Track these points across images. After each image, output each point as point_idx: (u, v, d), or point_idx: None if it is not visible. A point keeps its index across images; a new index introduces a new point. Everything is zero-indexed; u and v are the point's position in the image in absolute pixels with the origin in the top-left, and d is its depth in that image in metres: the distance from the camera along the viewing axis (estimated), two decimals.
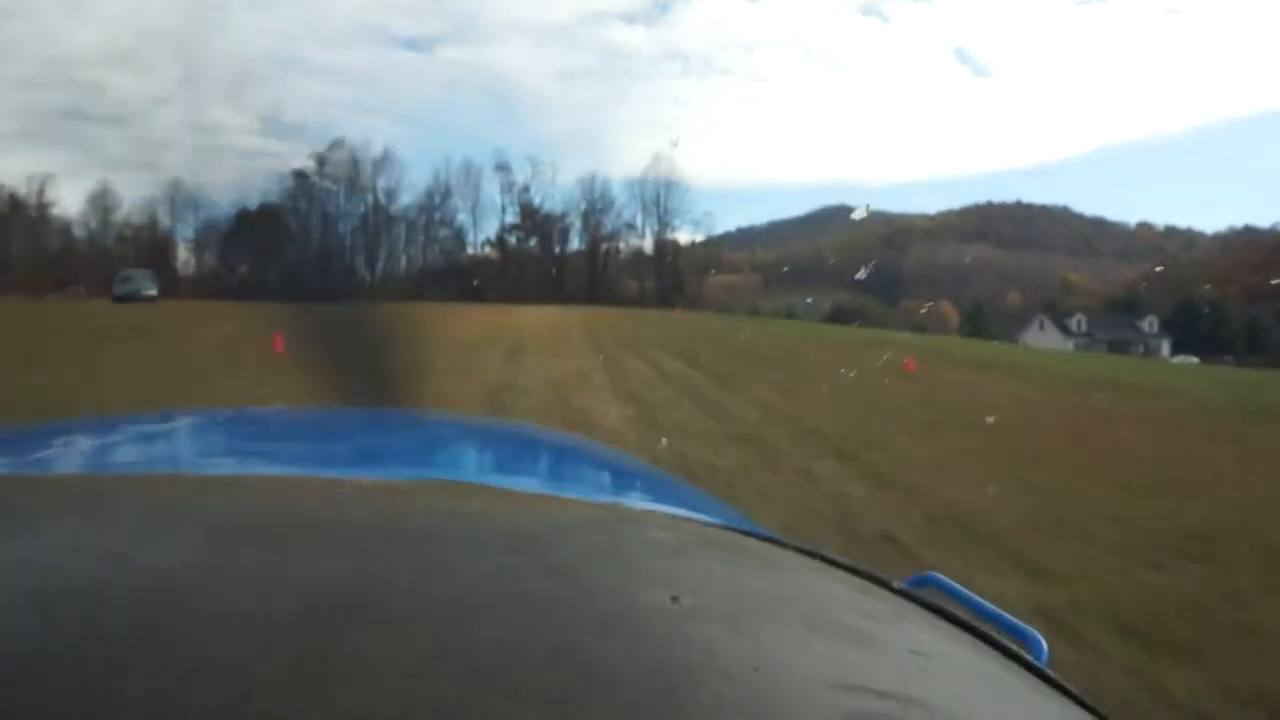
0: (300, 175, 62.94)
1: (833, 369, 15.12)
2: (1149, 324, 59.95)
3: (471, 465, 1.37)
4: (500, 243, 71.25)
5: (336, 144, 65.49)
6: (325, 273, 58.60)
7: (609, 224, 73.11)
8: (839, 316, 54.76)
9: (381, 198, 65.10)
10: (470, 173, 70.61)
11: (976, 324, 66.34)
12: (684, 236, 74.68)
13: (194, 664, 0.39)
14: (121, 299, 36.33)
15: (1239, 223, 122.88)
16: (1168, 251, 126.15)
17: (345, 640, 0.42)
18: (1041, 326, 61.00)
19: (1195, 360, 44.58)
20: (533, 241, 72.45)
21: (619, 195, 76.65)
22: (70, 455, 1.07)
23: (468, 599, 0.49)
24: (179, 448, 1.29)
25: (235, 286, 51.21)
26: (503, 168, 71.81)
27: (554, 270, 68.20)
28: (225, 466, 1.11)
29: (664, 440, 7.84)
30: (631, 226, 74.10)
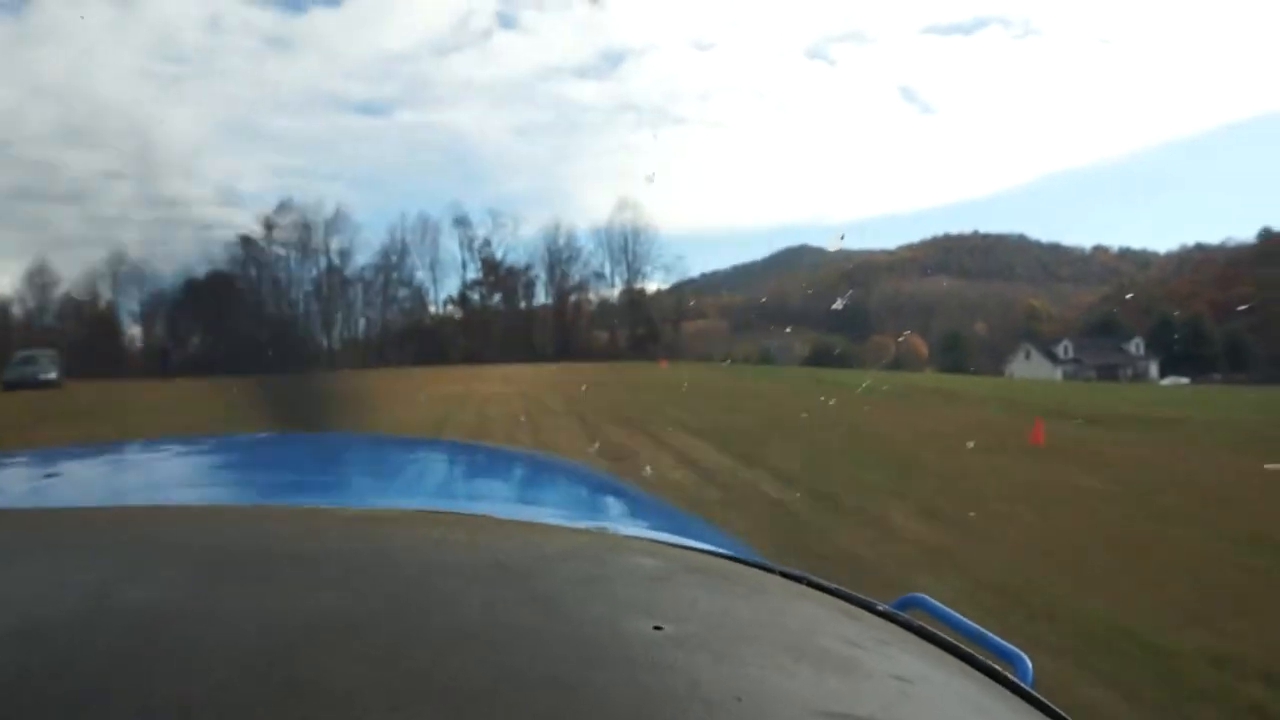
0: (247, 240, 59.15)
1: (940, 450, 10.43)
2: (1135, 346, 58.56)
3: (455, 492, 1.36)
4: (463, 300, 67.31)
5: (284, 206, 61.27)
6: (280, 341, 55.78)
7: (576, 274, 69.16)
8: (819, 358, 52.85)
9: (335, 259, 61.28)
10: (428, 229, 66.64)
11: (955, 357, 64.91)
12: (655, 283, 70.97)
13: (174, 698, 0.38)
14: (13, 385, 29.75)
15: (1190, 241, 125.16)
16: (1124, 273, 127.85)
17: (328, 672, 0.41)
18: (1028, 355, 59.01)
19: (1186, 381, 43.52)
20: (496, 297, 68.40)
21: (584, 244, 72.72)
22: (50, 486, 1.07)
23: (452, 629, 0.49)
24: (159, 477, 1.26)
25: (186, 361, 48.29)
26: (461, 222, 68.02)
27: (521, 325, 65.00)
28: (206, 496, 1.12)
29: None
30: (600, 276, 69.88)
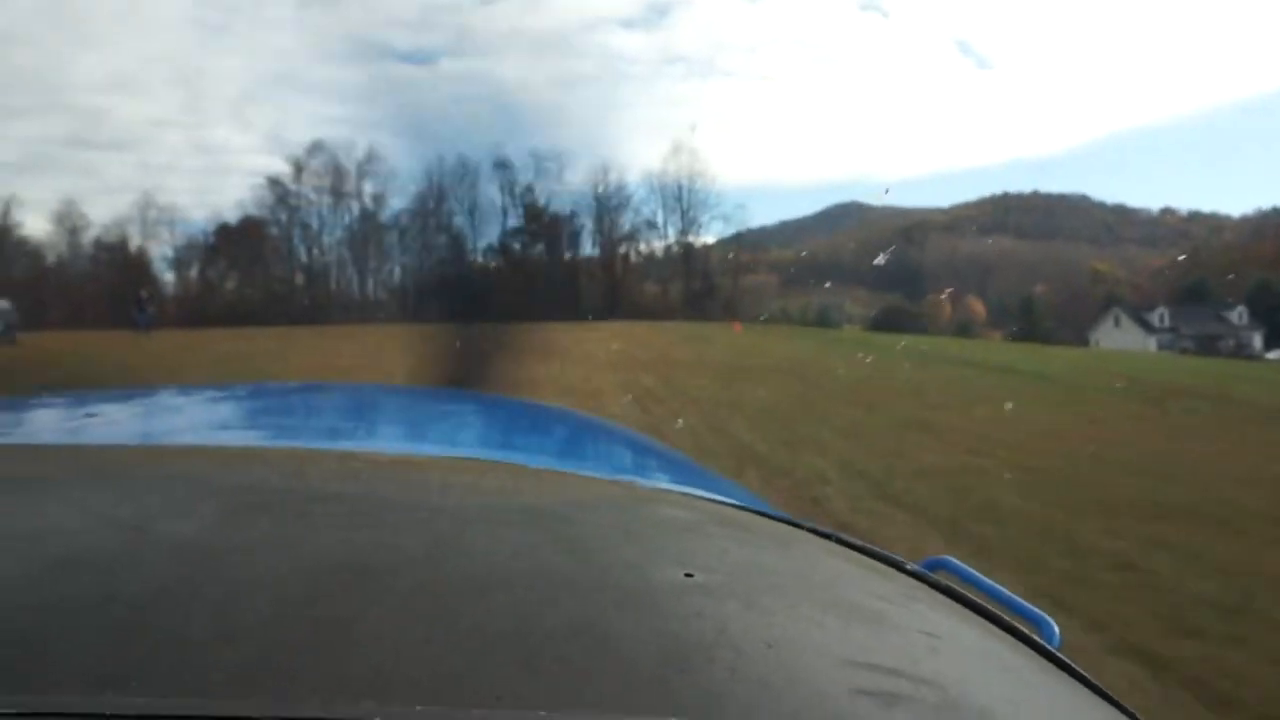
0: (275, 183, 54.24)
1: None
2: (1238, 315, 52.12)
3: (488, 442, 1.37)
4: (503, 249, 60.02)
5: (316, 147, 56.42)
6: (311, 290, 53.05)
7: (625, 223, 61.02)
8: (887, 323, 48.91)
9: (368, 203, 56.02)
10: (467, 172, 58.68)
11: (1027, 323, 59.91)
12: (711, 235, 63.37)
13: (209, 629, 0.39)
14: None
15: (1264, 204, 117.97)
16: (1194, 236, 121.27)
17: (360, 609, 0.42)
18: (1117, 322, 52.53)
19: None
20: (539, 247, 61.08)
21: (635, 192, 66.99)
22: (92, 425, 1.08)
23: (483, 572, 0.49)
24: (200, 420, 1.31)
25: (220, 309, 46.02)
26: (503, 165, 59.52)
27: (566, 278, 58.86)
28: (244, 439, 1.16)
29: None
30: (652, 225, 61.36)
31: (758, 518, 0.79)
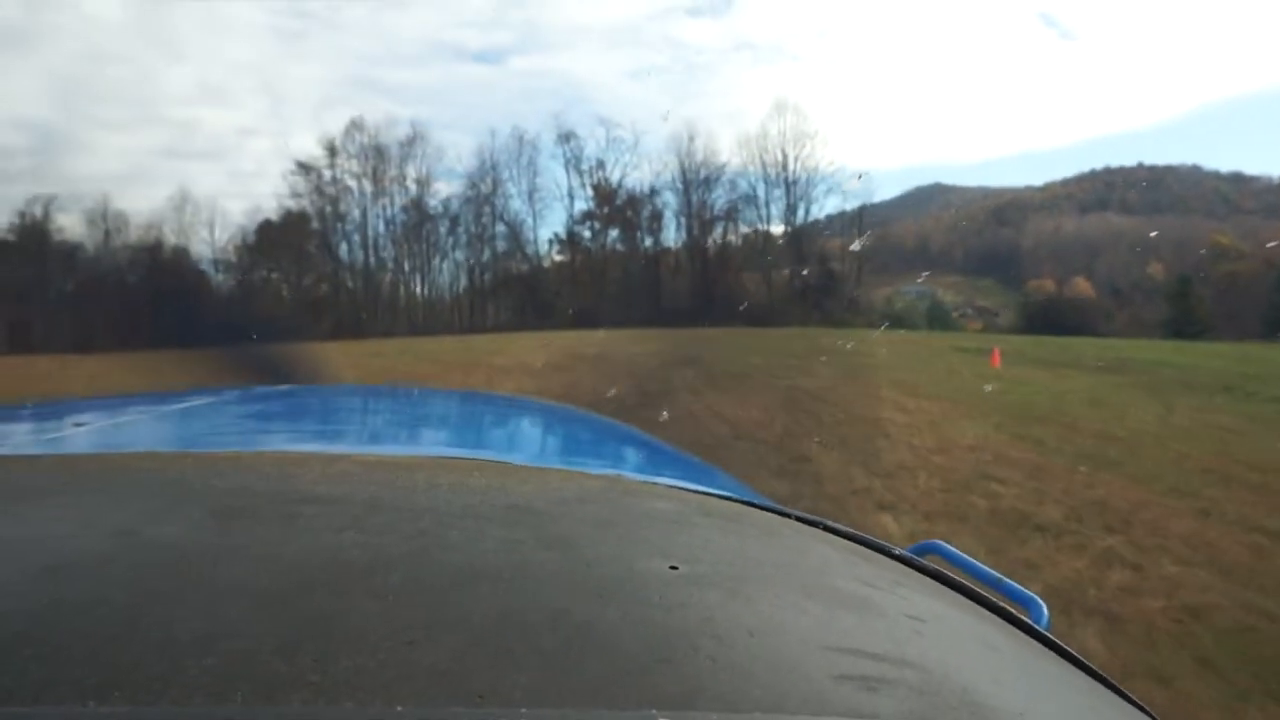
0: (305, 168, 45.74)
1: None
2: None
3: (472, 440, 1.37)
4: (570, 239, 48.93)
5: (354, 126, 47.98)
6: (365, 292, 47.25)
7: (719, 200, 47.65)
8: (1032, 321, 38.93)
9: (412, 189, 47.35)
10: (524, 147, 48.80)
11: (1181, 308, 49.53)
12: (823, 213, 49.86)
13: (195, 630, 0.39)
14: None
15: None
16: None
17: (345, 608, 0.42)
18: None
19: None
20: (612, 234, 48.95)
21: (729, 162, 51.28)
22: (78, 435, 1.09)
23: (467, 569, 0.49)
24: (187, 425, 1.30)
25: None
26: (567, 138, 49.15)
27: (645, 272, 47.41)
28: (229, 443, 1.14)
29: None
30: (751, 199, 47.20)
31: (745, 507, 0.78)
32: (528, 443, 1.41)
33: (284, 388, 1.71)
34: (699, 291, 44.83)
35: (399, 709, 0.34)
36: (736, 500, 0.82)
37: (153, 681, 0.35)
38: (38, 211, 41.45)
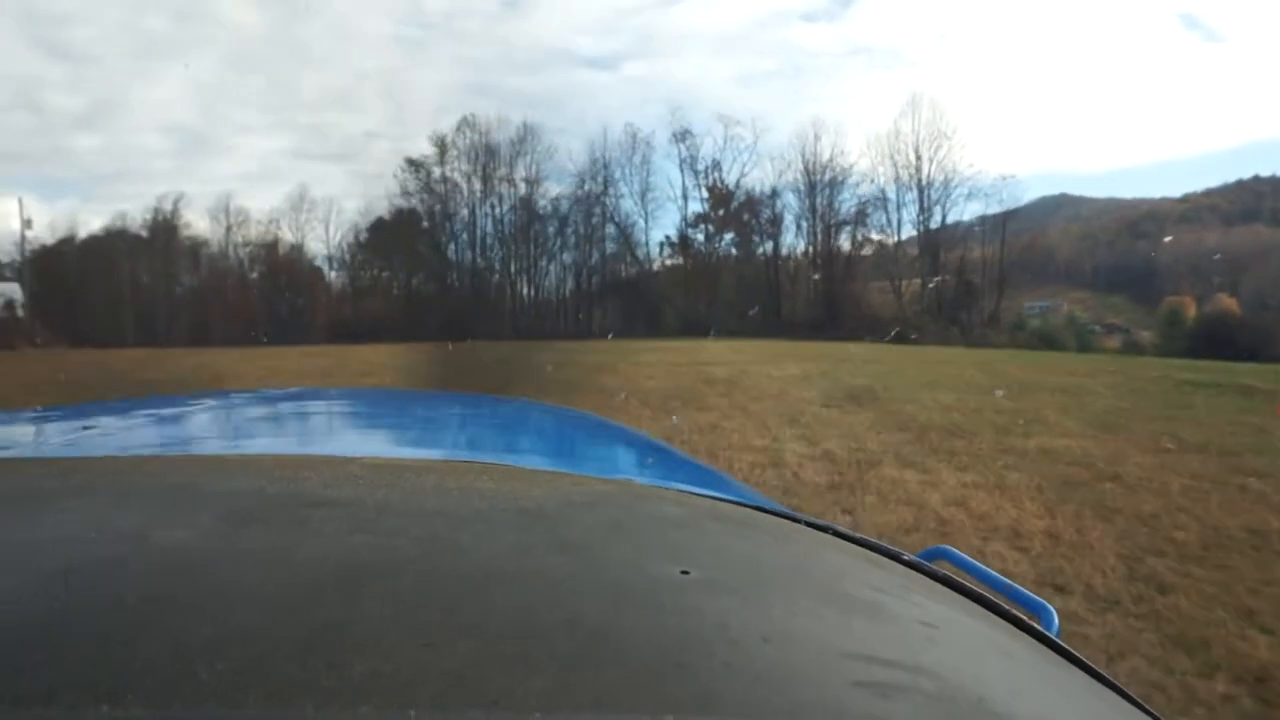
0: (415, 165, 43.88)
1: None
2: None
3: (484, 444, 1.36)
4: (683, 242, 45.76)
5: (465, 123, 44.34)
6: (475, 295, 46.25)
7: (847, 203, 43.65)
8: (1201, 344, 34.23)
9: (521, 188, 44.47)
10: (637, 145, 44.85)
11: None
12: (960, 219, 45.58)
13: (207, 635, 0.39)
14: None
15: None
16: None
17: (358, 612, 0.42)
18: None
19: None
20: (727, 237, 45.69)
21: (856, 163, 47.55)
22: (89, 438, 1.09)
23: (480, 573, 0.49)
24: (198, 429, 1.31)
25: (363, 320, 41.03)
26: (683, 135, 45.03)
27: (763, 280, 43.75)
28: (241, 447, 1.15)
29: None
30: (883, 200, 43.09)
31: (755, 513, 0.78)
32: (536, 447, 1.39)
33: (292, 390, 1.68)
34: (821, 301, 41.77)
35: (413, 713, 0.34)
36: (747, 505, 0.82)
37: (165, 685, 0.35)
38: (168, 207, 42.54)
